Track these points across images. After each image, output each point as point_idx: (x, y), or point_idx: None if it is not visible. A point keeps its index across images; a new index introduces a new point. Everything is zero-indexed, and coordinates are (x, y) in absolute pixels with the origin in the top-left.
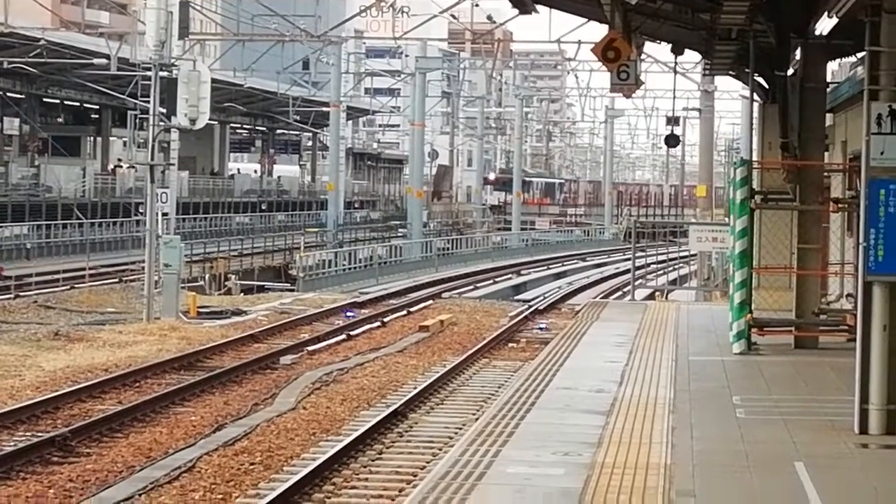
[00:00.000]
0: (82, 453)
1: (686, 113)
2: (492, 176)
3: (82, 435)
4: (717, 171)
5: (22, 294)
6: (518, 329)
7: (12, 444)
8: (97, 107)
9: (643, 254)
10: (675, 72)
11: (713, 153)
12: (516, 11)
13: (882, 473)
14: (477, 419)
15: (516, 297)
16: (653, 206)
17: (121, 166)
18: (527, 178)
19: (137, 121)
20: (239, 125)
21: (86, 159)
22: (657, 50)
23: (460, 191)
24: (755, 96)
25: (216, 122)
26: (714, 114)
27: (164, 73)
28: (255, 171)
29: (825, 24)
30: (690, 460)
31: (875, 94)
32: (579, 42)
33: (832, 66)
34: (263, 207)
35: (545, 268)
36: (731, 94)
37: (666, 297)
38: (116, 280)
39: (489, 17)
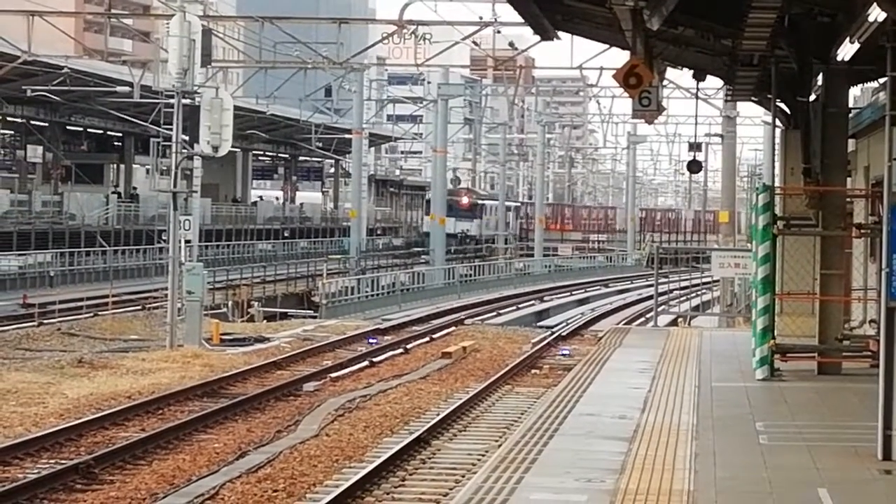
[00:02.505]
0: (106, 481)
1: (708, 139)
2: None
3: (106, 462)
4: (740, 196)
5: (45, 322)
6: (541, 355)
7: (36, 471)
8: (120, 134)
9: (666, 280)
10: (697, 98)
11: (735, 179)
12: (538, 38)
13: None
14: (500, 446)
15: (539, 324)
16: (675, 231)
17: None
18: (479, 200)
19: (160, 148)
20: (262, 152)
21: (109, 186)
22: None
23: None
24: (777, 122)
25: (239, 150)
26: (736, 139)
27: (187, 101)
28: (278, 198)
29: (847, 50)
30: (713, 487)
31: None
32: (601, 68)
33: (854, 91)
34: (286, 234)
35: (568, 294)
36: (753, 119)
37: (688, 323)
38: (140, 307)
39: (511, 44)
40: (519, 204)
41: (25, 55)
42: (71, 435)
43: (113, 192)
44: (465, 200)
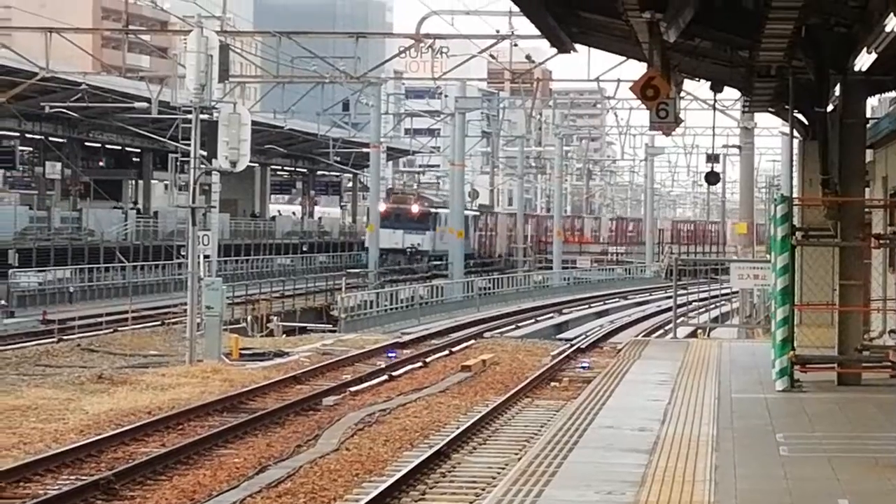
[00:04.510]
0: (126, 496)
1: (726, 150)
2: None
3: (126, 478)
4: (758, 207)
5: (65, 338)
6: (560, 368)
7: (57, 488)
8: (138, 150)
9: (684, 291)
10: (715, 109)
11: (754, 190)
12: (555, 50)
13: None
14: (520, 459)
15: (558, 336)
16: (693, 243)
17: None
18: (433, 209)
19: (178, 163)
20: (280, 167)
21: (127, 202)
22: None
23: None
24: (795, 133)
25: (257, 164)
26: (754, 151)
27: (205, 116)
28: (296, 213)
29: (864, 60)
30: (734, 498)
31: None
32: (618, 80)
33: (872, 101)
34: (304, 249)
35: (587, 306)
36: (771, 130)
37: (708, 335)
38: (159, 323)
39: (528, 57)
40: (477, 213)
41: (44, 72)
42: (91, 451)
43: (132, 209)
44: (414, 209)
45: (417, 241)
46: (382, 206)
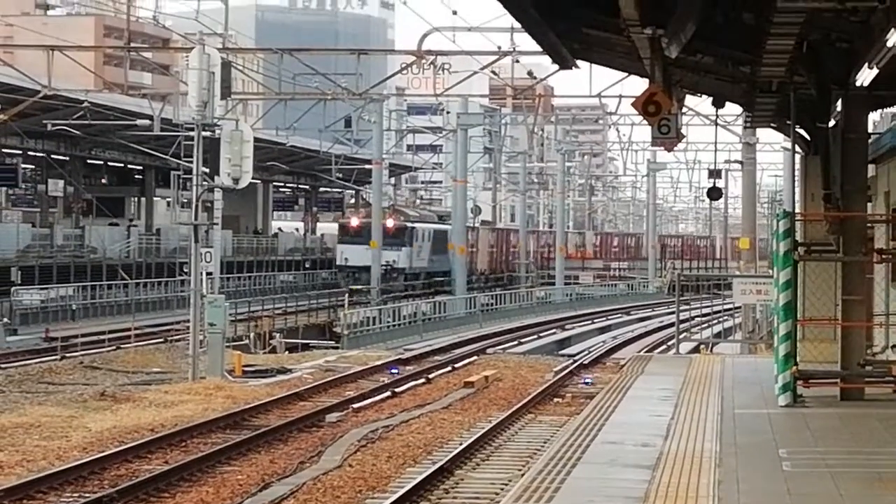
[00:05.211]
0: None
1: (728, 165)
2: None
3: (129, 495)
4: (761, 223)
5: (68, 355)
6: (563, 384)
7: None
8: (140, 167)
9: (687, 307)
10: (717, 124)
11: (756, 205)
12: (557, 67)
13: None
14: (523, 475)
15: (561, 352)
16: (696, 258)
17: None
18: (410, 223)
19: (181, 181)
20: (282, 184)
21: (126, 220)
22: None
23: None
24: (797, 148)
25: (259, 181)
26: (756, 166)
27: (207, 133)
28: (298, 229)
29: (866, 75)
30: None
31: None
32: (620, 96)
33: (874, 116)
34: (307, 265)
35: (589, 322)
36: (773, 146)
37: (710, 351)
38: (162, 340)
39: (530, 73)
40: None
41: (46, 89)
42: (94, 468)
43: (129, 226)
44: (389, 223)
45: (392, 258)
46: (355, 221)
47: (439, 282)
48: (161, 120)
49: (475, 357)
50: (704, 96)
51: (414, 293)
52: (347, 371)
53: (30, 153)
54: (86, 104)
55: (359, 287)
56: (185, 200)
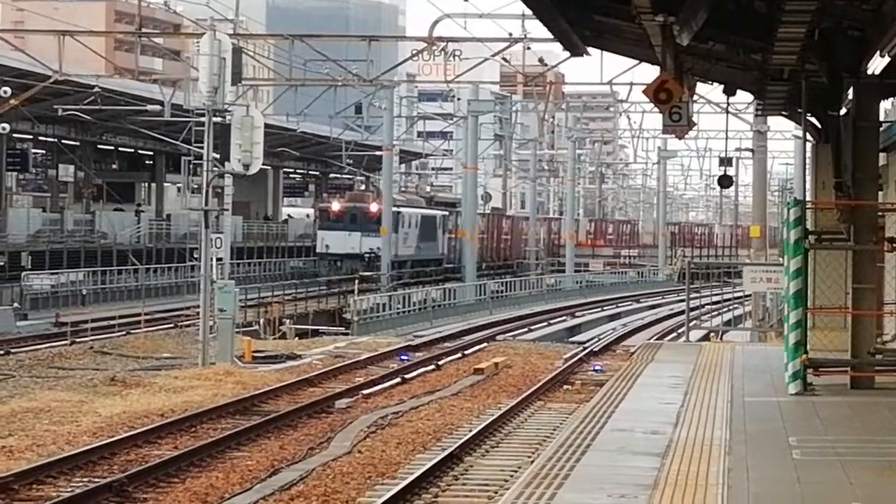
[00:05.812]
0: (139, 499)
1: (739, 153)
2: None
3: (139, 480)
4: (771, 211)
5: (78, 340)
6: (573, 371)
7: (70, 490)
8: (151, 153)
9: (697, 295)
10: (728, 112)
11: (766, 193)
12: (568, 54)
13: None
14: (532, 461)
15: (571, 339)
16: (706, 246)
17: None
18: (395, 207)
19: (191, 166)
20: (292, 170)
21: (137, 205)
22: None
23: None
24: (808, 136)
25: (270, 167)
26: (767, 154)
27: (218, 119)
28: (309, 216)
29: (878, 64)
30: (747, 502)
31: None
32: (631, 84)
33: (885, 104)
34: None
35: (599, 309)
36: (784, 133)
37: (721, 338)
38: (172, 325)
39: (541, 60)
40: (446, 213)
41: (57, 75)
42: (104, 453)
43: (138, 211)
44: (373, 208)
45: (377, 245)
46: (336, 205)
47: (426, 272)
48: (172, 105)
49: (485, 344)
50: (715, 84)
51: (426, 279)
52: (357, 357)
53: (40, 138)
54: (96, 89)
55: (369, 273)
56: (196, 186)
